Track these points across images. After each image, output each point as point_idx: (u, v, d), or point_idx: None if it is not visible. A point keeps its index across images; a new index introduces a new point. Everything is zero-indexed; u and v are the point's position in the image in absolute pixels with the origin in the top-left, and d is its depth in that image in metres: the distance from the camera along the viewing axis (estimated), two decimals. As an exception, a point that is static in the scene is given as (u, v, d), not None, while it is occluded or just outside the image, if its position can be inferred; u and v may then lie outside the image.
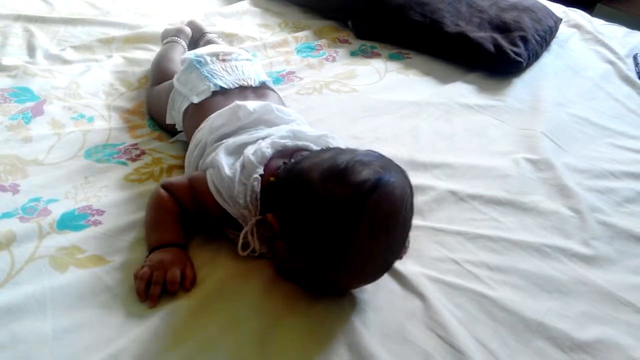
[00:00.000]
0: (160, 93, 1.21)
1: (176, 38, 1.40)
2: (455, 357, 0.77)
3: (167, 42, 1.40)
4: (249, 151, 0.89)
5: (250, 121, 0.98)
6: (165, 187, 0.92)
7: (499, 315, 0.84)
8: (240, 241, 0.83)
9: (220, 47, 1.25)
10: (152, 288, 0.79)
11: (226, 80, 1.10)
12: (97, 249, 0.88)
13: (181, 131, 1.13)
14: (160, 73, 1.28)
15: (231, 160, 0.89)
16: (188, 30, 1.46)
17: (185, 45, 1.41)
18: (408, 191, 0.79)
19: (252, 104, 0.99)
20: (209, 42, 1.45)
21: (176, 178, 0.95)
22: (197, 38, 1.48)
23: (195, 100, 1.07)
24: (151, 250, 0.85)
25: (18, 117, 1.16)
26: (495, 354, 0.78)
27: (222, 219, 0.87)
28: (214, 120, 0.99)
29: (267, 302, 0.82)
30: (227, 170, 0.87)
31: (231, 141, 0.93)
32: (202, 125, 1.01)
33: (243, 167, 0.87)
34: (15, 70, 1.30)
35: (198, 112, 1.05)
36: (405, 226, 0.80)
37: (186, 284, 0.81)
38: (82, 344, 0.73)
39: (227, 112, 1.00)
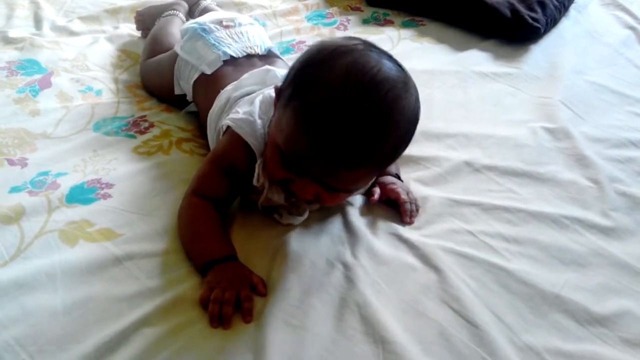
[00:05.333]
0: (161, 64, 1.18)
1: (175, 11, 1.36)
2: (470, 330, 0.76)
3: (165, 16, 1.36)
4: (266, 91, 0.91)
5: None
6: (195, 191, 0.87)
7: (515, 287, 0.82)
8: (256, 172, 0.83)
9: (222, 13, 1.22)
10: (224, 308, 0.74)
11: (234, 48, 1.07)
12: (107, 222, 0.87)
13: (192, 102, 1.11)
14: (158, 46, 1.25)
15: (248, 105, 0.91)
16: (185, 3, 1.41)
17: (184, 18, 1.37)
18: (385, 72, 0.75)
19: (280, 71, 0.98)
20: (206, 9, 1.40)
21: (196, 174, 0.90)
22: (192, 5, 1.42)
23: (208, 70, 1.05)
24: (204, 265, 0.79)
25: (25, 90, 1.15)
26: (511, 327, 0.77)
27: (251, 184, 0.85)
28: (245, 79, 0.99)
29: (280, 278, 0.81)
30: (246, 109, 0.88)
31: (251, 96, 0.94)
32: (228, 87, 0.99)
33: (261, 103, 0.89)
34: (22, 43, 1.29)
35: (209, 82, 1.04)
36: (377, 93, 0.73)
37: (261, 290, 0.78)
38: (92, 317, 0.73)
39: (256, 73, 1.00)
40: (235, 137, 0.86)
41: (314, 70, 0.76)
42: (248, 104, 0.91)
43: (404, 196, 0.94)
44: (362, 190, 0.94)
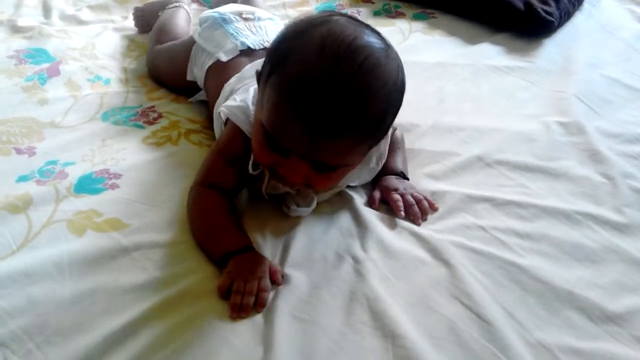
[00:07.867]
0: (173, 50, 1.18)
1: (179, 3, 1.36)
2: (480, 326, 0.74)
3: (171, 7, 1.35)
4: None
5: None
6: (202, 182, 0.87)
7: (527, 283, 0.81)
8: (251, 159, 0.83)
9: (242, 6, 1.21)
10: (245, 299, 0.74)
11: (251, 40, 1.07)
12: (115, 212, 0.86)
13: (201, 89, 1.10)
14: (166, 35, 1.24)
15: (244, 93, 0.91)
16: None
17: (189, 10, 1.36)
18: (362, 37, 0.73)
19: None
20: None
21: (202, 166, 0.89)
22: None
23: (224, 58, 1.04)
24: (223, 256, 0.79)
25: (34, 78, 1.14)
26: (522, 324, 0.76)
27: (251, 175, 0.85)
28: (247, 70, 0.98)
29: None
30: (242, 96, 0.89)
31: (247, 84, 0.94)
32: (232, 79, 0.99)
33: (255, 91, 0.88)
34: (30, 31, 1.29)
35: (222, 71, 1.03)
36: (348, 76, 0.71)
37: (277, 279, 0.78)
38: (100, 308, 0.73)
39: (258, 64, 0.97)
40: (234, 126, 0.86)
41: (290, 44, 0.76)
42: (244, 92, 0.91)
43: (402, 210, 0.90)
44: (357, 165, 0.88)
